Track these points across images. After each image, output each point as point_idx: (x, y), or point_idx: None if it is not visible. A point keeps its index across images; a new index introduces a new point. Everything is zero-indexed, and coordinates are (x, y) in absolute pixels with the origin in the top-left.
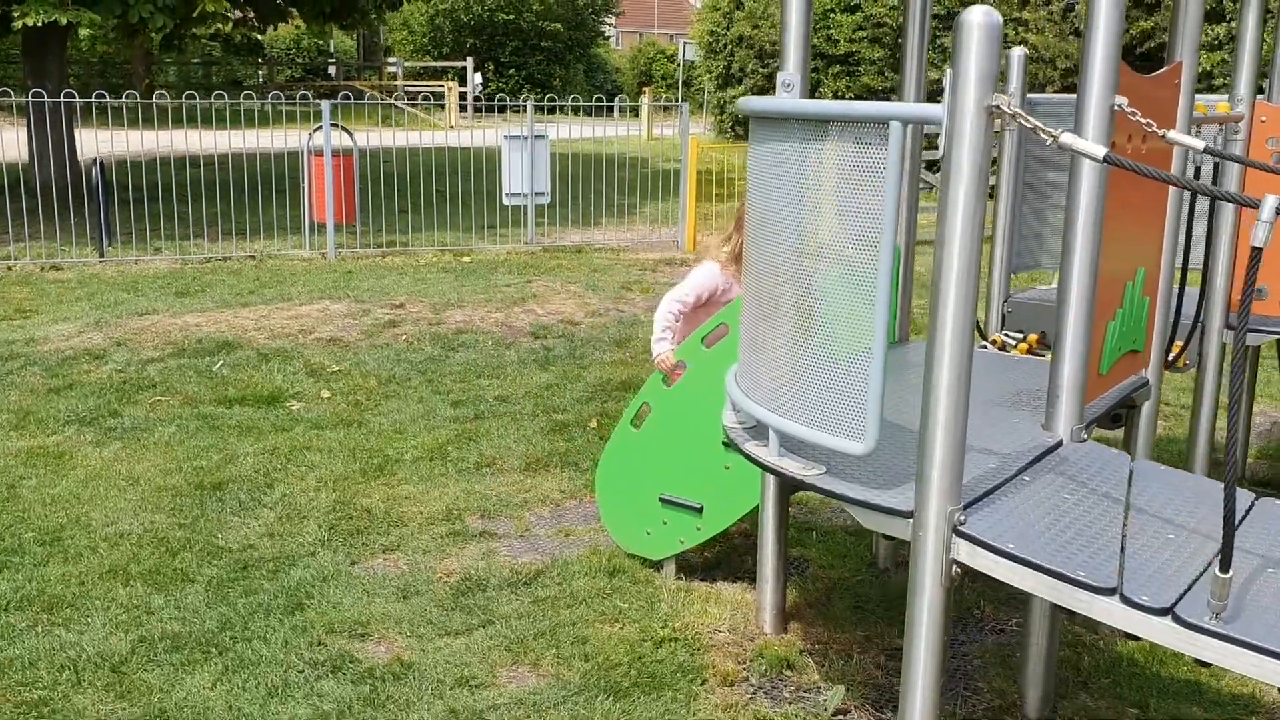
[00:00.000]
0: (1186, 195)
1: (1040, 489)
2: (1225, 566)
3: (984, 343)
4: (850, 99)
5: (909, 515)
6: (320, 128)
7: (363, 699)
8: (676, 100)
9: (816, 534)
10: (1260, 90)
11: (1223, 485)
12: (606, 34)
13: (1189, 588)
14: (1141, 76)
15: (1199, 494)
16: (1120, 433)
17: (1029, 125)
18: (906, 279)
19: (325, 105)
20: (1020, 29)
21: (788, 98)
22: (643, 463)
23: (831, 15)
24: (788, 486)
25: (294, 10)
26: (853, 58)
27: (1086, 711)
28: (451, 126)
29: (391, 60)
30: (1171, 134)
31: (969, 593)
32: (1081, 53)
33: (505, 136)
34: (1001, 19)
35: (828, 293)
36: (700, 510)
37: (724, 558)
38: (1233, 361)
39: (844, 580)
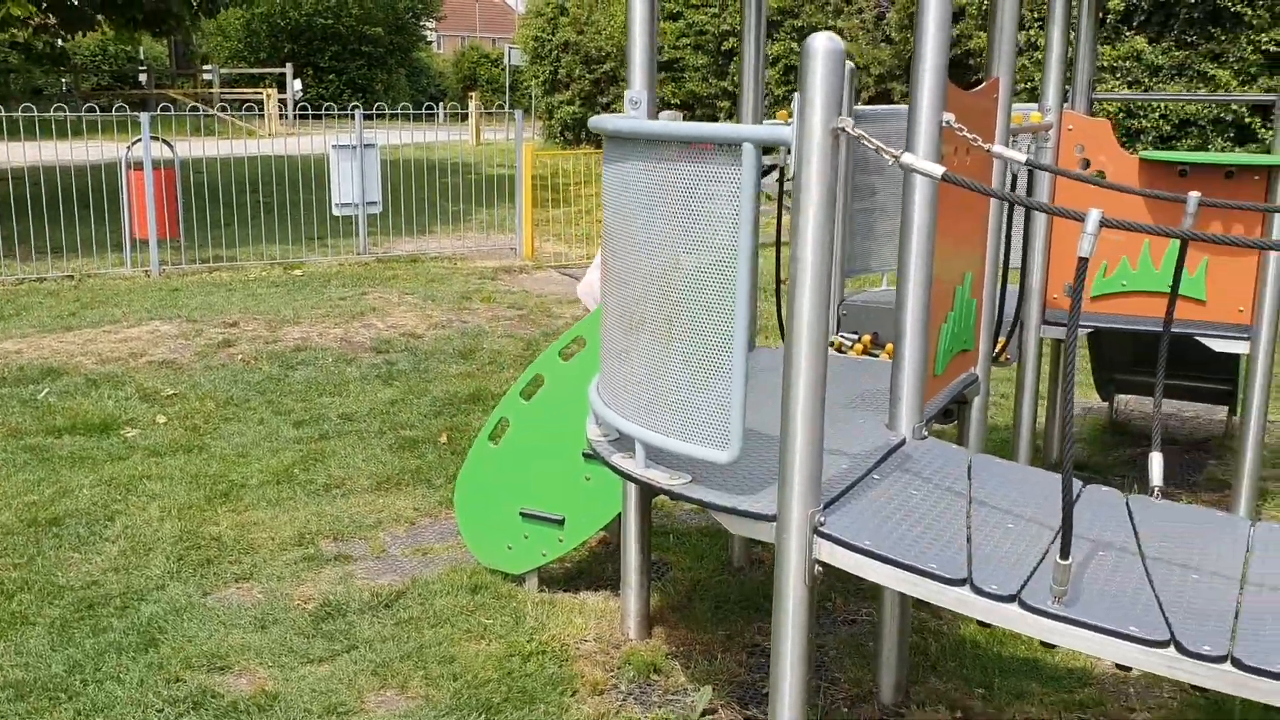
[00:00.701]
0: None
1: (890, 487)
2: (1065, 554)
3: None
4: (677, 104)
5: (773, 519)
6: (139, 140)
7: None
8: (504, 105)
9: (673, 536)
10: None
11: (1054, 474)
12: (428, 38)
13: (1031, 574)
14: (965, 92)
15: (1031, 484)
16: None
17: (872, 146)
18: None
19: (145, 117)
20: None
21: (635, 115)
22: (502, 478)
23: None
24: (649, 494)
25: (101, 18)
26: (677, 64)
27: (937, 694)
28: (273, 134)
29: (207, 67)
30: (996, 148)
31: (821, 586)
32: (912, 72)
33: (333, 145)
34: (844, 45)
35: (687, 307)
36: (562, 522)
37: (586, 567)
38: (1065, 360)
39: (703, 581)
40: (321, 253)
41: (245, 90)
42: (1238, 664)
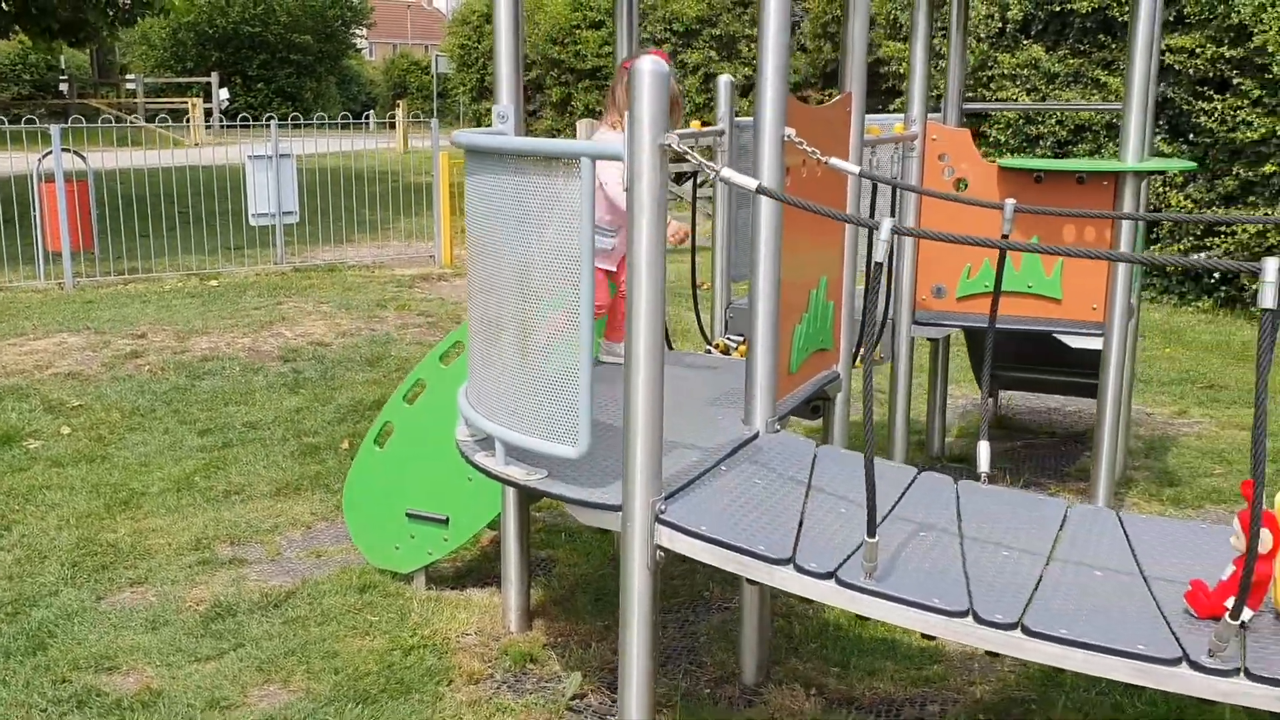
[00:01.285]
0: (866, 207)
1: (735, 477)
2: (871, 532)
3: (708, 347)
4: (600, 112)
5: (618, 509)
6: (50, 153)
7: None
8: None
9: (565, 534)
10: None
11: (893, 464)
12: (358, 46)
13: (851, 554)
14: (813, 107)
15: (859, 470)
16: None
17: (694, 161)
18: None
19: (55, 129)
20: (753, 46)
21: (503, 128)
22: (388, 480)
23: (578, 31)
24: (527, 493)
25: (18, 27)
26: (600, 72)
27: (796, 674)
28: (197, 144)
29: (130, 76)
30: (832, 160)
31: (700, 577)
32: (755, 91)
33: (249, 156)
34: (668, 68)
35: (539, 312)
36: (446, 522)
37: (475, 565)
38: (865, 357)
39: (587, 576)
40: (239, 263)
41: (171, 99)
42: (1025, 630)
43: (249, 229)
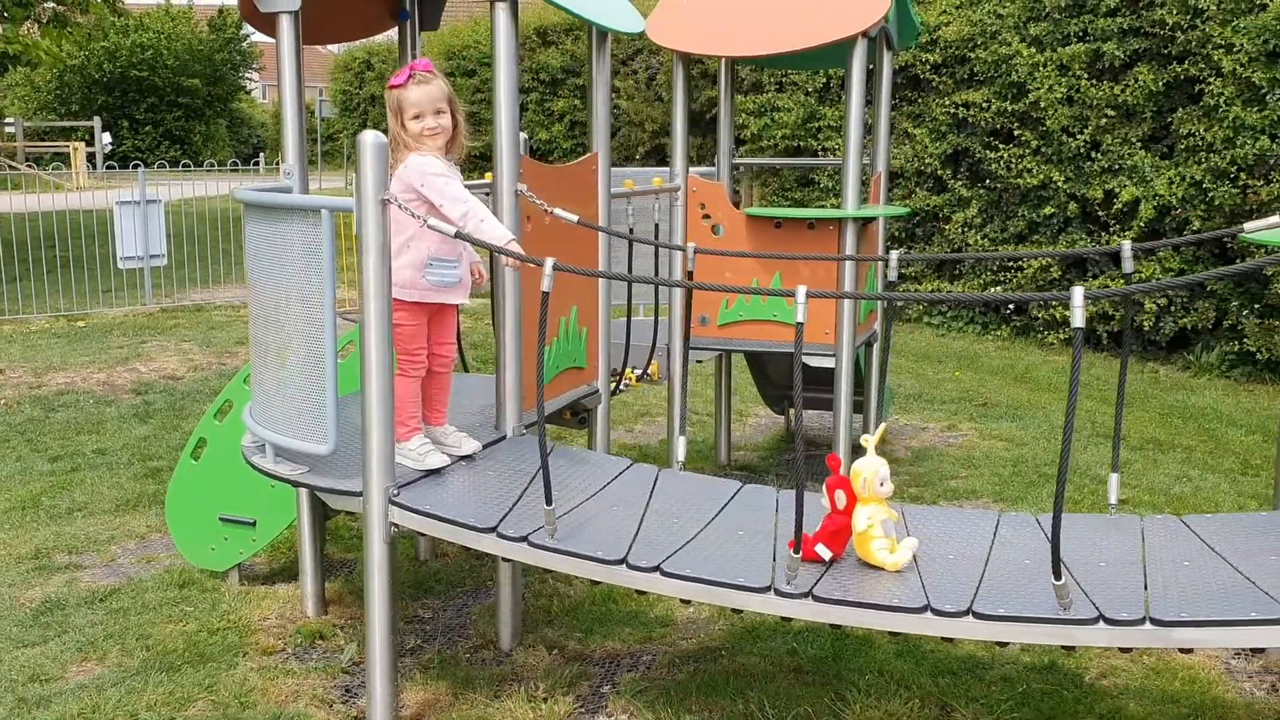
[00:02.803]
0: (623, 248)
1: (472, 469)
2: (549, 500)
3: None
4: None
5: (359, 494)
6: None
7: None
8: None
9: None
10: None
11: (614, 459)
12: (248, 88)
13: (508, 511)
14: (556, 166)
15: (594, 465)
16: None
17: (406, 211)
18: None
19: None
20: (613, 95)
21: (289, 182)
22: (203, 489)
23: (453, 79)
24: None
25: None
26: (474, 118)
27: (544, 640)
28: (80, 188)
29: (9, 120)
30: (556, 210)
31: (487, 568)
32: (494, 152)
33: (117, 201)
34: (386, 139)
35: (295, 337)
36: (254, 524)
37: (290, 564)
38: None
39: None
40: (108, 304)
41: (54, 143)
42: (661, 571)
43: (118, 272)
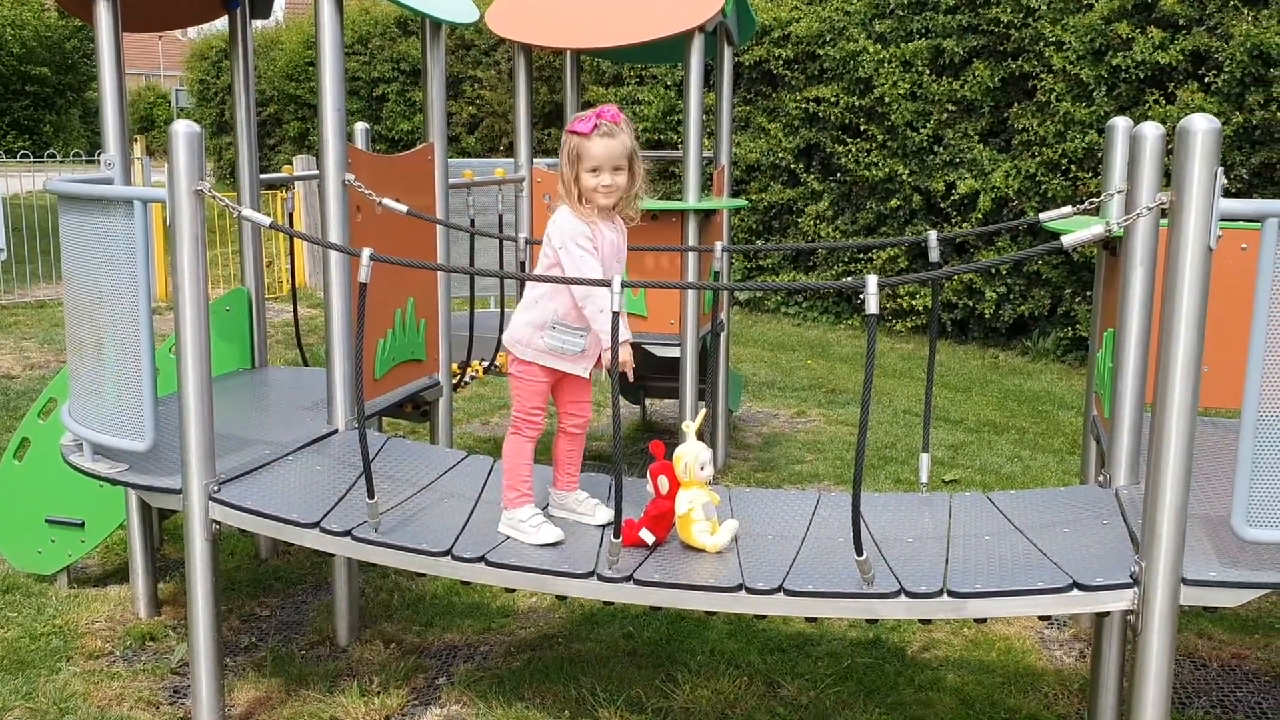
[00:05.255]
0: (465, 239)
1: (300, 464)
2: (370, 494)
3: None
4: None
5: (179, 491)
6: None
7: None
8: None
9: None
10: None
11: (445, 450)
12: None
13: (334, 505)
14: (387, 156)
15: (425, 457)
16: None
17: (222, 203)
18: (261, 316)
19: None
20: (476, 86)
21: (110, 173)
22: (29, 490)
23: (312, 68)
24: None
25: None
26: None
27: (382, 634)
28: None
29: None
30: (386, 201)
31: (328, 565)
32: (318, 145)
33: None
34: (201, 130)
35: (111, 330)
36: (83, 525)
37: (124, 565)
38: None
39: (227, 571)
40: None
41: None
42: (487, 561)
43: None
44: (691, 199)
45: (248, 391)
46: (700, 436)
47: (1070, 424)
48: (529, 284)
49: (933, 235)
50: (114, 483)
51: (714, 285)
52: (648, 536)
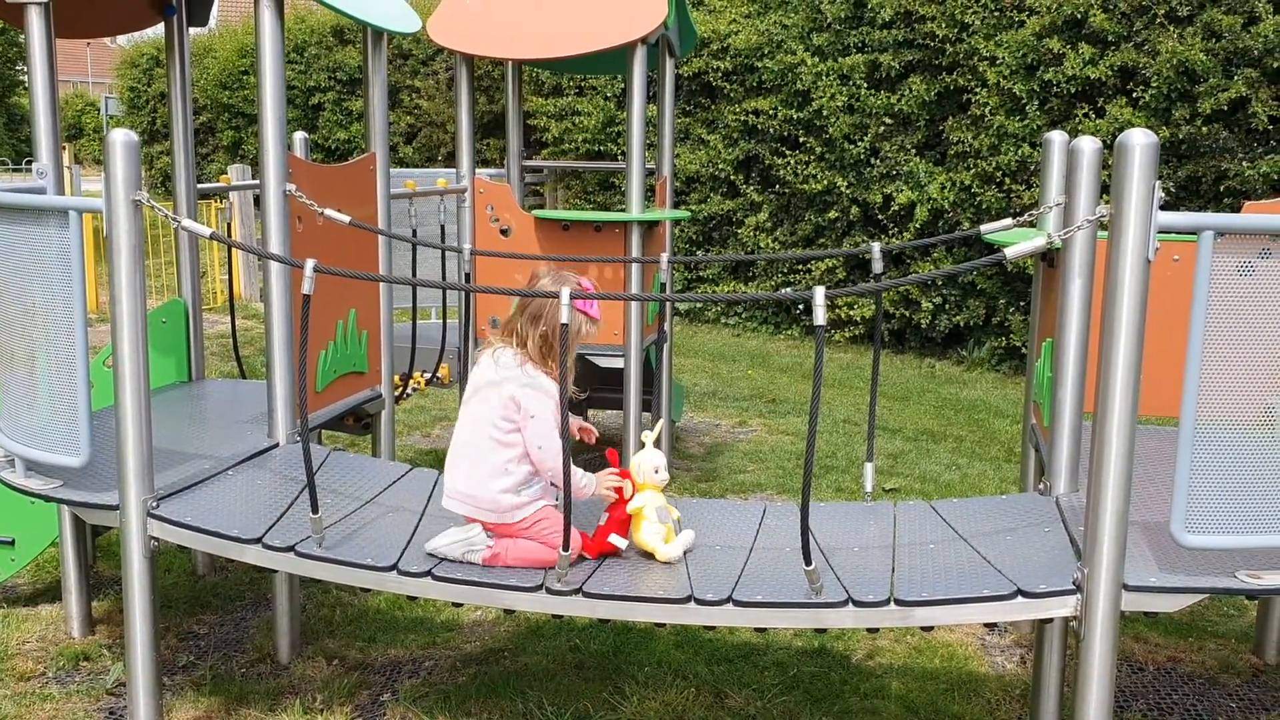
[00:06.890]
0: (407, 249)
1: (240, 478)
2: (315, 509)
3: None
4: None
5: (116, 508)
6: None
7: None
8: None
9: None
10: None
11: (386, 463)
12: (27, 83)
13: (275, 520)
14: (328, 166)
15: (370, 471)
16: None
17: (161, 214)
18: (198, 328)
19: None
20: (414, 95)
21: (43, 183)
22: None
23: (247, 76)
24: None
25: None
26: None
27: (325, 650)
28: None
29: None
30: (327, 211)
31: (268, 581)
32: (259, 156)
33: None
34: (139, 138)
35: (45, 344)
36: (12, 543)
37: (56, 583)
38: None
39: (164, 588)
40: None
41: None
42: (433, 576)
43: None
44: (635, 210)
45: (185, 405)
46: (657, 445)
47: (1006, 432)
48: (485, 452)
49: (876, 247)
50: (48, 499)
51: (661, 296)
52: (619, 542)
